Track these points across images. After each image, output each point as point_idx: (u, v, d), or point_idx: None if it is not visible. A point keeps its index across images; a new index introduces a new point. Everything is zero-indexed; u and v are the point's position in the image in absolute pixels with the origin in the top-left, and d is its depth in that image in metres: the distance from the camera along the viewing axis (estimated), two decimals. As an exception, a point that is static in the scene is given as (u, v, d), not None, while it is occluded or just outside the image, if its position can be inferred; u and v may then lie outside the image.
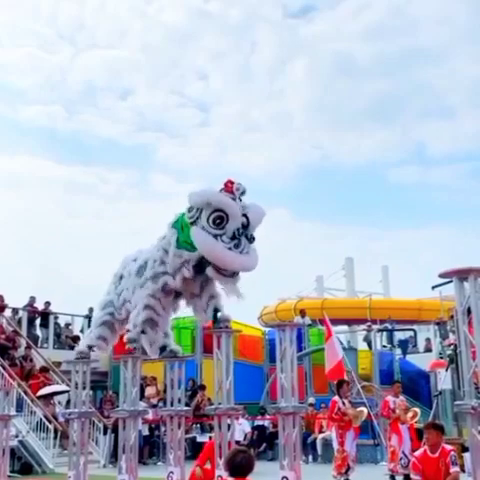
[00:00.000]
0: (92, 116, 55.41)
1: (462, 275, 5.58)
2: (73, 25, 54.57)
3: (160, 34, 55.76)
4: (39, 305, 19.85)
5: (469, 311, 5.60)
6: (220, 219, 6.81)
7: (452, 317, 15.32)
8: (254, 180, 55.63)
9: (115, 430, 12.57)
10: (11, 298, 18.79)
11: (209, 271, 7.02)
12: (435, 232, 50.65)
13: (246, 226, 6.94)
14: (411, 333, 24.92)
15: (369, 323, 23.80)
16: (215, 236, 6.81)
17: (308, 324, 21.56)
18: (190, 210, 7.01)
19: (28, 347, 17.58)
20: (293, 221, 57.25)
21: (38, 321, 19.99)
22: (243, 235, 6.88)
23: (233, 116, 55.88)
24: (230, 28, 54.49)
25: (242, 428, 15.84)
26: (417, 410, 12.70)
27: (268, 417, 17.03)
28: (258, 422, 17.51)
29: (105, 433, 15.43)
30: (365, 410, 11.97)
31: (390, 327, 23.54)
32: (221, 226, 6.81)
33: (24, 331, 18.60)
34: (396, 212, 53.80)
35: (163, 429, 14.73)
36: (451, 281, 5.75)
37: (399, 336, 24.16)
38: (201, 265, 7.15)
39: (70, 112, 61.15)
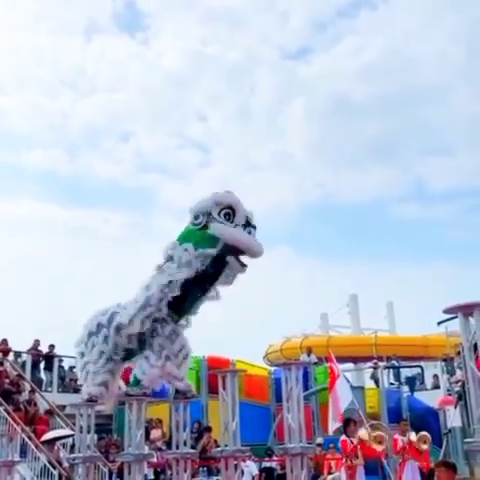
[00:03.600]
0: (93, 159, 56.10)
1: (467, 310, 5.54)
2: (74, 70, 55.70)
3: (159, 77, 56.79)
4: (43, 348, 19.77)
5: (476, 347, 5.56)
6: (228, 215, 7.28)
7: (459, 353, 15.22)
8: (256, 218, 55.87)
9: (120, 474, 12.38)
10: (15, 342, 18.76)
11: (230, 259, 7.30)
12: (439, 267, 50.60)
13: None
14: (418, 370, 24.68)
15: (376, 360, 23.60)
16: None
17: (314, 362, 21.39)
18: (197, 218, 7.33)
19: (32, 391, 17.39)
20: (297, 258, 57.43)
21: (42, 364, 19.86)
22: (250, 225, 7.37)
23: (233, 156, 56.51)
24: (229, 70, 55.54)
25: (249, 470, 15.59)
26: (425, 433, 12.61)
27: (276, 458, 16.76)
28: (265, 464, 17.23)
29: (110, 478, 15.19)
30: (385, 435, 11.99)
31: (397, 364, 23.31)
32: (231, 220, 7.27)
33: (28, 375, 18.43)
34: (399, 248, 53.97)
35: (169, 473, 14.49)
36: (456, 316, 5.71)
37: (406, 373, 23.90)
38: (219, 259, 7.36)
39: (71, 155, 61.85)
